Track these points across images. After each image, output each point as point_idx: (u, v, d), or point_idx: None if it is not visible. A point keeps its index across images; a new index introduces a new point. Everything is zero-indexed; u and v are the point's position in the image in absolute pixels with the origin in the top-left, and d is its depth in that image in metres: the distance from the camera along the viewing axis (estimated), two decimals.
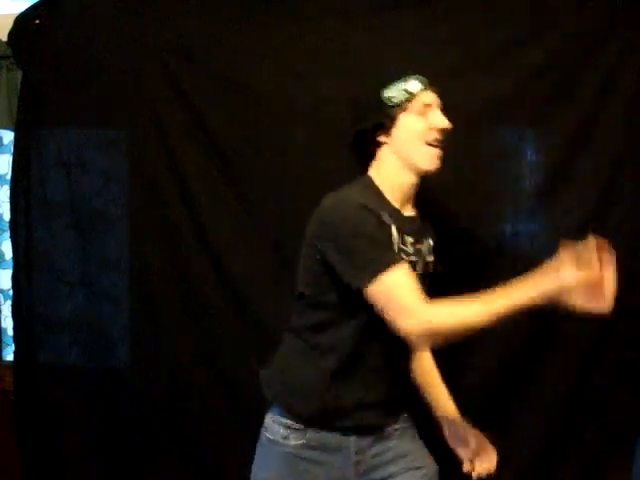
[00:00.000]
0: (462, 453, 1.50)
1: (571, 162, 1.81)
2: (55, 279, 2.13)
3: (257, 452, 1.44)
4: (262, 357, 1.69)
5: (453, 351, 1.85)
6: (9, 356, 2.38)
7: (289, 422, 1.36)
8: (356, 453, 1.38)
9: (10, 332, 2.32)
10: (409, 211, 1.42)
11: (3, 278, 2.41)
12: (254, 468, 1.44)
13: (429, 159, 1.36)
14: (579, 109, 1.79)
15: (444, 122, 1.35)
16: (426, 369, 1.59)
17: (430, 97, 1.36)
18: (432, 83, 1.39)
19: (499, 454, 1.87)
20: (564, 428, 1.85)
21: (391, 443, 1.42)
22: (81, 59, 2.04)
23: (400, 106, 1.34)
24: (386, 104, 1.34)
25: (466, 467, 1.46)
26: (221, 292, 1.98)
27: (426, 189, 1.84)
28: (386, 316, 1.24)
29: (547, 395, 1.85)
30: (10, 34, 2.07)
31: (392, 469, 1.41)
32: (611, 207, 1.80)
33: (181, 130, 1.97)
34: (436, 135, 1.35)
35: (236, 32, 1.93)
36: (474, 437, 1.49)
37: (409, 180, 1.39)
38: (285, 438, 1.36)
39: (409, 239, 1.35)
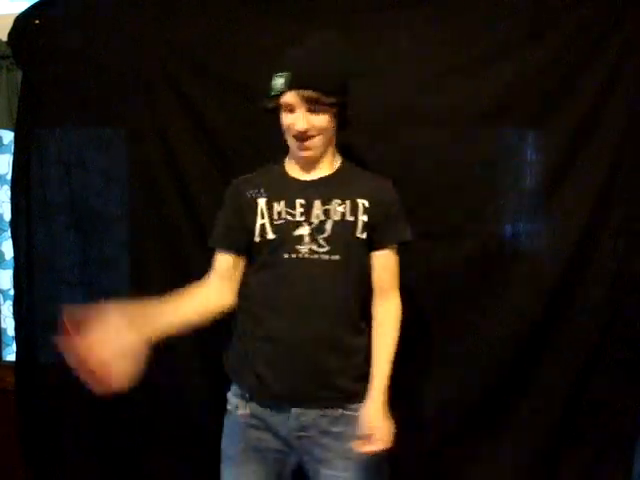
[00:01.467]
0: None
1: (571, 162, 1.81)
2: (55, 279, 2.13)
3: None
4: None
5: (453, 352, 1.88)
6: (9, 356, 2.38)
7: (239, 392, 1.50)
8: (298, 429, 1.44)
9: (10, 332, 2.32)
10: (319, 175, 1.49)
11: (3, 278, 2.41)
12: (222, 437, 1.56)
13: (297, 149, 1.45)
14: (579, 109, 1.79)
15: (298, 125, 1.40)
16: (378, 322, 1.50)
17: (290, 99, 1.39)
18: (297, 84, 1.37)
19: (498, 454, 1.89)
20: (564, 428, 1.85)
21: (336, 428, 1.44)
22: (81, 59, 2.03)
23: (275, 98, 1.41)
24: (269, 92, 1.43)
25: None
26: None
27: (426, 189, 1.87)
28: None
29: (547, 395, 1.85)
30: (10, 34, 2.06)
31: (331, 455, 1.44)
32: (611, 207, 1.80)
33: (181, 130, 1.97)
34: (296, 133, 1.41)
35: (236, 32, 1.93)
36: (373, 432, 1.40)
37: (297, 159, 1.50)
38: (236, 408, 1.50)
39: (282, 206, 1.45)
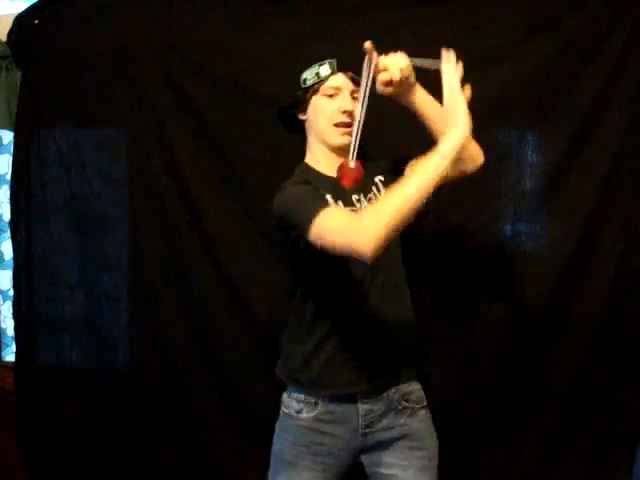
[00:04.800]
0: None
1: (571, 162, 1.81)
2: (55, 279, 2.13)
3: (276, 426, 1.54)
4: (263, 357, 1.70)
5: (453, 353, 1.88)
6: (9, 356, 2.38)
7: (301, 396, 1.48)
8: (365, 426, 1.45)
9: (10, 332, 2.32)
10: None
11: (3, 278, 2.41)
12: (274, 440, 1.54)
13: (336, 137, 1.46)
14: (579, 109, 1.79)
15: (348, 105, 1.44)
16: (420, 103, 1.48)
17: (339, 80, 1.46)
18: (344, 67, 1.46)
19: (498, 454, 1.89)
20: (564, 428, 1.85)
21: (400, 420, 1.47)
22: (81, 59, 2.04)
23: (312, 87, 1.46)
24: (301, 85, 1.48)
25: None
26: (221, 292, 1.98)
27: None
28: (337, 250, 1.27)
29: (547, 395, 1.85)
30: (10, 34, 2.07)
31: (396, 444, 1.47)
32: (611, 207, 1.80)
33: (181, 130, 1.97)
34: (342, 117, 1.44)
35: (236, 32, 1.93)
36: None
37: (328, 152, 1.50)
38: (298, 412, 1.48)
39: (341, 205, 1.44)
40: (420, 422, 1.50)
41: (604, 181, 1.80)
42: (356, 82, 1.43)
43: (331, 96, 1.45)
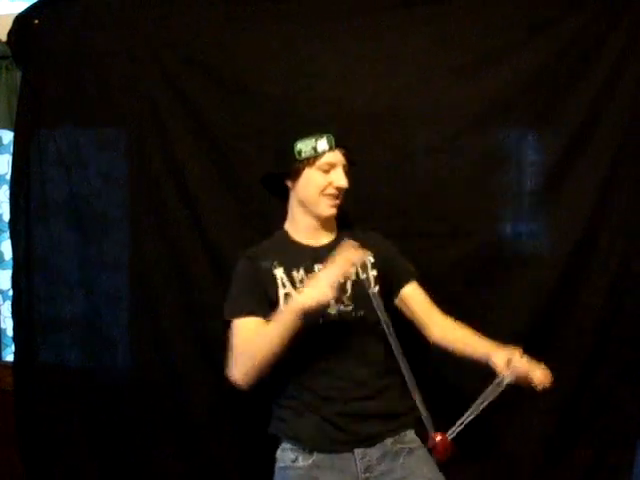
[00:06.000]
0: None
1: (571, 162, 1.81)
2: (55, 279, 2.13)
3: None
4: None
5: (453, 352, 1.87)
6: (9, 356, 2.38)
7: (296, 447, 1.48)
8: (364, 471, 1.45)
9: (10, 332, 2.32)
10: (324, 241, 1.57)
11: (3, 278, 2.41)
12: None
13: (326, 208, 1.52)
14: (579, 109, 1.79)
15: (343, 182, 1.50)
16: (449, 332, 1.58)
17: (334, 157, 1.49)
18: (339, 143, 1.49)
19: (498, 454, 1.89)
20: (564, 428, 1.85)
21: (398, 462, 1.47)
22: (81, 59, 2.04)
23: (307, 160, 1.48)
24: (295, 156, 1.48)
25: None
26: (221, 292, 1.96)
27: (426, 189, 1.87)
28: None
29: (547, 396, 1.84)
30: (10, 34, 2.06)
31: None
32: (611, 207, 1.80)
33: (181, 130, 1.97)
34: (333, 191, 1.50)
35: (236, 32, 1.93)
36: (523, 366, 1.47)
37: (312, 221, 1.55)
38: (294, 461, 1.47)
39: (301, 274, 1.50)
40: (419, 459, 1.49)
41: (604, 181, 1.80)
42: (347, 159, 1.51)
43: (326, 171, 1.49)
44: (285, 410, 1.52)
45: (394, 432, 1.49)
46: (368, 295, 1.47)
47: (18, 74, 2.11)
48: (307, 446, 1.46)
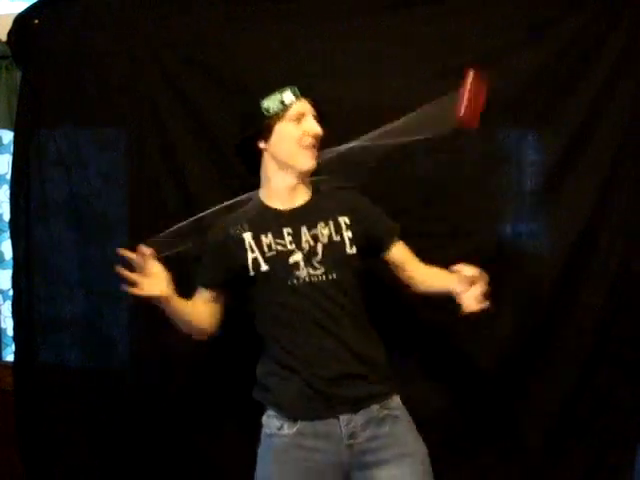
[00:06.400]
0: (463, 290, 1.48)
1: (571, 162, 1.81)
2: (55, 279, 2.13)
3: (258, 452, 1.54)
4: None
5: (452, 352, 1.88)
6: (9, 356, 2.38)
7: (280, 414, 1.49)
8: (348, 437, 1.45)
9: (10, 332, 2.32)
10: (299, 202, 1.56)
11: (3, 278, 2.41)
12: (257, 467, 1.54)
13: (305, 160, 1.51)
14: (579, 109, 1.80)
15: (315, 128, 1.50)
16: (422, 279, 1.62)
17: (303, 106, 1.51)
18: (305, 93, 1.52)
19: (498, 454, 1.89)
20: (564, 428, 1.85)
21: (383, 429, 1.47)
22: (80, 59, 2.04)
23: (277, 115, 1.49)
24: (263, 114, 1.50)
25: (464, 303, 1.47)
26: None
27: (426, 189, 1.87)
28: None
29: (547, 395, 1.85)
30: (9, 34, 2.06)
31: (383, 455, 1.45)
32: (611, 207, 1.80)
33: (181, 130, 1.97)
34: (310, 140, 1.50)
35: (236, 32, 1.93)
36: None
37: (288, 181, 1.54)
38: (280, 428, 1.48)
39: (270, 238, 1.51)
40: (402, 427, 1.50)
41: (604, 181, 1.80)
42: (316, 107, 1.52)
43: (297, 121, 1.49)
44: (268, 377, 1.53)
45: (379, 397, 1.49)
46: (341, 258, 1.49)
47: (18, 74, 2.12)
48: (290, 414, 1.47)
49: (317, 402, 1.46)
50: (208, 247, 1.60)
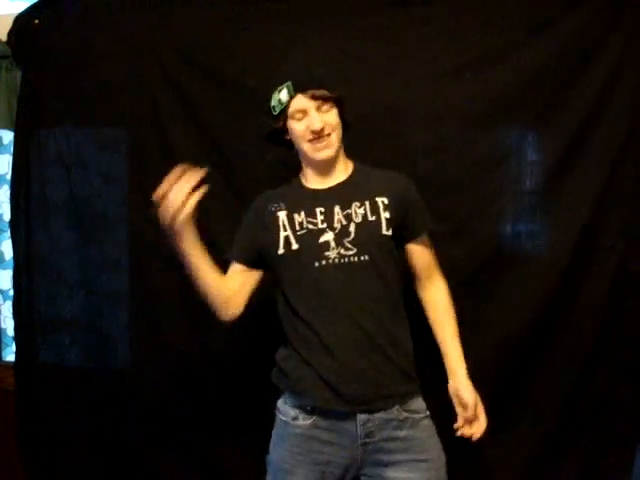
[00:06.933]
0: (459, 411, 1.53)
1: (571, 162, 1.81)
2: (55, 279, 2.13)
3: (273, 433, 1.55)
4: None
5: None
6: (9, 356, 2.38)
7: (297, 403, 1.48)
8: (364, 436, 1.43)
9: (10, 332, 2.32)
10: (334, 182, 1.54)
11: (3, 278, 2.41)
12: (270, 448, 1.54)
13: (316, 153, 1.50)
14: (579, 109, 1.79)
15: (316, 124, 1.47)
16: (432, 304, 1.61)
17: (300, 102, 1.48)
18: (302, 88, 1.47)
19: (498, 454, 1.89)
20: (564, 428, 1.85)
21: (402, 432, 1.44)
22: (81, 59, 2.04)
23: (283, 113, 1.50)
24: (272, 114, 1.53)
25: (457, 424, 1.52)
26: None
27: (426, 189, 1.87)
28: None
29: (547, 395, 1.85)
30: (10, 34, 2.07)
31: (398, 457, 1.43)
32: (611, 207, 1.80)
33: (181, 130, 1.97)
34: (312, 135, 1.48)
35: (236, 32, 1.93)
36: (473, 405, 1.52)
37: (315, 167, 1.55)
38: (295, 419, 1.47)
39: (302, 216, 1.50)
40: (423, 432, 1.47)
41: (604, 181, 1.80)
42: (319, 98, 1.47)
43: (300, 119, 1.49)
44: (286, 362, 1.50)
45: (401, 398, 1.45)
46: (376, 238, 1.46)
47: (18, 74, 2.12)
48: (305, 403, 1.45)
49: (331, 395, 1.42)
50: (245, 221, 1.60)
